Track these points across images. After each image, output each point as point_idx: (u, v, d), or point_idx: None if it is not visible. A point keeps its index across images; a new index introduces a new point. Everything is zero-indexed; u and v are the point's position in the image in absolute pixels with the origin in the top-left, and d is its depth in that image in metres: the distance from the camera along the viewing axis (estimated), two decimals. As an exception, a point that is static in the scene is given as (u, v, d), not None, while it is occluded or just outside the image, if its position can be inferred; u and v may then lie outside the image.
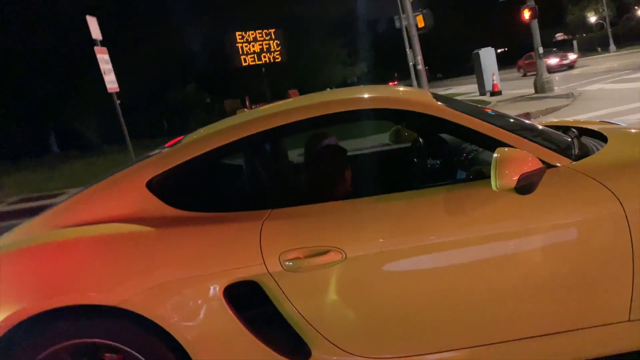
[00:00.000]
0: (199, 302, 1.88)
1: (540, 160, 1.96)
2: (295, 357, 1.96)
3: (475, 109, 2.44)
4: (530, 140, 2.08)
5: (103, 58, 11.02)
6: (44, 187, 11.78)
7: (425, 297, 1.94)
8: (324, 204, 2.05)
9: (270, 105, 2.63)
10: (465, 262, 1.92)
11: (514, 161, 1.83)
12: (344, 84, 41.26)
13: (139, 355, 1.89)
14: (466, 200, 1.96)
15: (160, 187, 2.10)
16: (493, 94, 17.08)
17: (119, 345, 1.88)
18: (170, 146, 2.34)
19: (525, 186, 1.89)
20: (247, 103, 24.04)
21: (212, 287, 1.88)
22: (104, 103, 10.77)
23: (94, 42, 10.66)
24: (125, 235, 1.96)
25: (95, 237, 1.97)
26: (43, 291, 1.85)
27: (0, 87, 23.25)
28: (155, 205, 2.06)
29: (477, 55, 17.84)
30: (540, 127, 2.55)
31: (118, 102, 11.13)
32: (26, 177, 14.43)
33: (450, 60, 54.16)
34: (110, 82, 11.21)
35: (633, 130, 2.55)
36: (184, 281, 1.87)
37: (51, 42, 22.65)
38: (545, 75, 15.41)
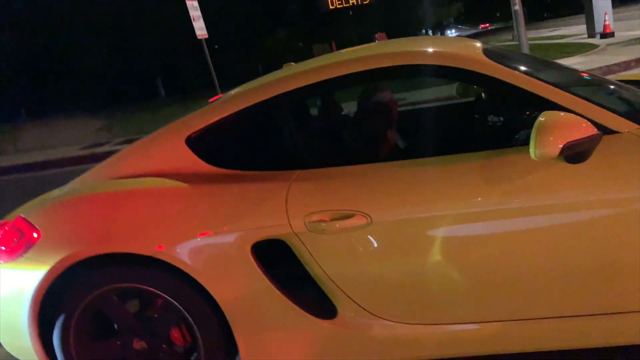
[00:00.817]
0: (228, 257, 1.94)
1: (600, 125, 1.75)
2: (322, 315, 1.98)
3: (534, 64, 2.19)
4: (592, 101, 1.84)
5: (192, 5, 11.32)
6: (147, 129, 12.73)
7: (452, 267, 1.85)
8: (356, 166, 1.99)
9: (317, 58, 2.55)
10: (499, 233, 1.80)
11: (559, 127, 1.64)
12: (439, 25, 39.19)
13: (176, 303, 2.01)
14: (510, 167, 1.80)
15: (198, 143, 2.15)
16: (604, 35, 15.32)
17: (158, 291, 2.00)
18: (213, 102, 2.36)
19: (576, 155, 1.70)
20: (334, 48, 23.62)
21: (240, 244, 1.92)
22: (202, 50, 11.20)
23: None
24: (162, 190, 2.04)
25: (135, 191, 2.08)
26: (90, 238, 2.00)
27: (114, 42, 25.00)
28: (193, 162, 2.12)
29: (589, -8, 15.99)
30: (615, 84, 2.25)
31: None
32: (133, 120, 15.60)
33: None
34: (200, 28, 11.54)
35: None
36: (214, 236, 1.93)
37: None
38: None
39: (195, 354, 2.07)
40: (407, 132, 2.34)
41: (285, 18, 27.37)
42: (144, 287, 2.01)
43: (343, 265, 1.93)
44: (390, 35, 24.67)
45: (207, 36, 11.69)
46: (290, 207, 1.91)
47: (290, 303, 1.96)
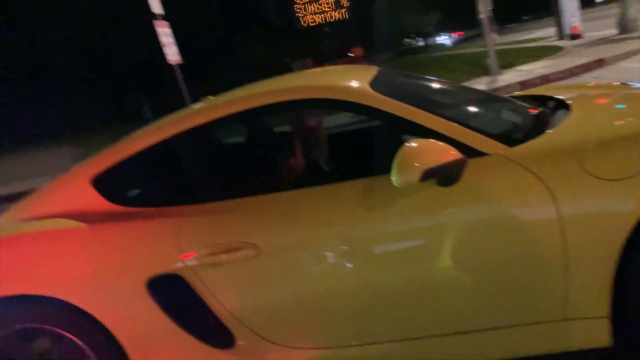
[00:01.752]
0: (125, 293, 1.98)
1: (469, 147, 1.83)
2: (221, 345, 2.03)
3: (422, 88, 2.27)
4: (465, 124, 1.93)
5: (164, 32, 11.35)
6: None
7: (338, 290, 1.91)
8: (246, 197, 2.05)
9: (209, 98, 2.61)
10: (377, 255, 1.87)
11: (418, 154, 1.72)
12: (418, 34, 39.64)
13: (78, 341, 2.04)
14: (387, 191, 1.87)
15: (102, 183, 2.20)
16: (573, 37, 15.62)
17: (62, 332, 2.04)
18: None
19: (444, 178, 1.78)
20: (310, 65, 23.84)
21: (135, 280, 1.97)
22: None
23: (153, 16, 10.96)
24: (62, 231, 2.09)
25: (36, 233, 2.13)
26: None
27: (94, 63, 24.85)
28: (97, 201, 2.17)
29: (556, -5, 16.28)
30: (505, 101, 2.33)
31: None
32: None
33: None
34: (172, 54, 11.57)
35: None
36: (109, 273, 1.98)
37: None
38: (631, 13, 13.80)
39: None
40: (306, 161, 2.41)
41: (264, 34, 27.62)
42: (48, 327, 2.05)
43: (238, 296, 1.98)
44: (368, 48, 24.99)
45: (180, 61, 11.76)
46: (183, 242, 1.96)
47: (188, 335, 2.00)
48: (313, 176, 2.28)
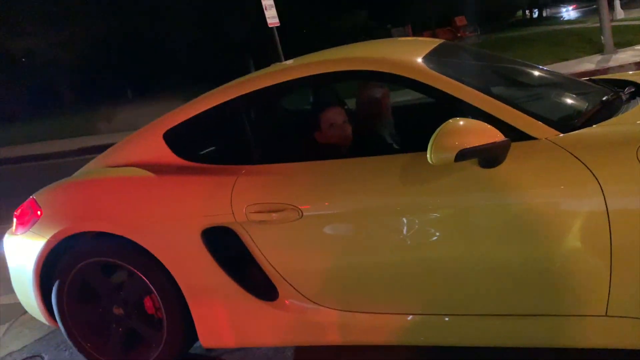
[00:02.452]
0: (183, 241, 2.20)
1: (518, 130, 1.79)
2: (265, 297, 2.19)
3: (482, 65, 2.21)
4: (517, 106, 1.87)
5: (265, -6, 11.63)
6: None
7: (377, 259, 1.98)
8: (298, 163, 2.16)
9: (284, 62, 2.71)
10: (416, 229, 1.90)
11: (456, 134, 1.70)
12: (531, 5, 36.85)
13: (144, 278, 2.31)
14: (430, 168, 1.88)
15: (173, 138, 2.42)
16: None
17: (129, 266, 2.32)
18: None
19: (486, 160, 1.76)
20: (409, 32, 23.08)
21: (191, 229, 2.17)
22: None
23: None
24: (135, 178, 2.35)
25: (114, 178, 2.40)
26: (75, 217, 2.37)
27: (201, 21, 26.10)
28: (167, 155, 2.39)
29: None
30: (572, 84, 2.21)
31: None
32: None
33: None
34: (271, 17, 11.86)
35: None
36: (171, 221, 2.20)
37: None
38: None
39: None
40: (364, 131, 2.46)
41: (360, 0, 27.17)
42: (118, 261, 2.33)
43: (281, 253, 2.12)
44: (471, 18, 23.56)
45: (279, 24, 12.02)
46: (235, 198, 2.13)
47: (236, 285, 2.18)
48: (365, 147, 2.33)
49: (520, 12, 39.47)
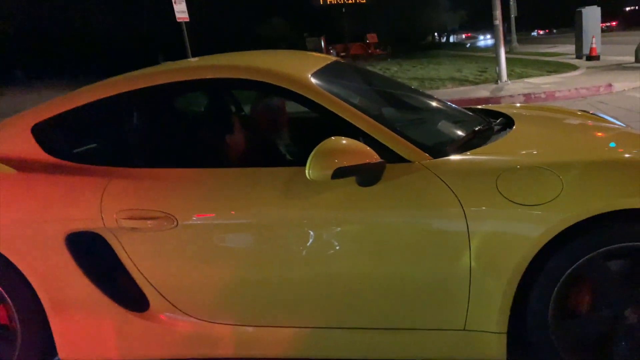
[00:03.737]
0: (44, 244, 2.02)
1: (394, 153, 1.86)
2: (134, 308, 2.07)
3: (368, 88, 2.27)
4: (395, 130, 1.94)
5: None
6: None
7: (250, 271, 1.95)
8: (174, 169, 2.07)
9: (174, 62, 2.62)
10: (291, 243, 1.91)
11: (334, 153, 1.74)
12: (440, 31, 39.14)
13: (1, 289, 2.08)
14: (308, 183, 1.89)
15: (42, 133, 2.22)
16: (589, 58, 15.41)
17: None
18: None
19: (362, 178, 1.80)
20: (323, 44, 23.61)
21: (55, 232, 2.00)
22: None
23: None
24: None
25: None
26: None
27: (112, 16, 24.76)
28: (33, 150, 2.19)
29: (580, 14, 16.03)
30: (453, 111, 2.34)
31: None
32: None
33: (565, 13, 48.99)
34: (180, 12, 11.53)
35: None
36: (32, 223, 2.02)
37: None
38: (652, 42, 13.59)
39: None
40: (255, 141, 2.42)
41: (280, 7, 27.37)
42: None
43: (154, 263, 2.01)
44: (382, 36, 24.62)
45: (187, 19, 11.70)
46: (105, 202, 1.99)
47: (101, 294, 2.04)
48: (255, 157, 2.29)
49: (430, 37, 41.77)
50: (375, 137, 1.89)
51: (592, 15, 15.93)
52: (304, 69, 2.14)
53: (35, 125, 2.22)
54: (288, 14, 27.79)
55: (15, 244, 2.03)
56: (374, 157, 1.77)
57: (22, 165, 2.14)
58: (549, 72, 12.56)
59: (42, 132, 2.21)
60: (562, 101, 9.41)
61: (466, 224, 1.75)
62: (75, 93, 2.28)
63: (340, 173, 1.73)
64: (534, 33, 57.25)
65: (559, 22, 53.24)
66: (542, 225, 1.71)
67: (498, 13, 11.11)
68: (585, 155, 1.93)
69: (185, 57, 12.28)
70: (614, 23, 53.15)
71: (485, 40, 43.92)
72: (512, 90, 10.35)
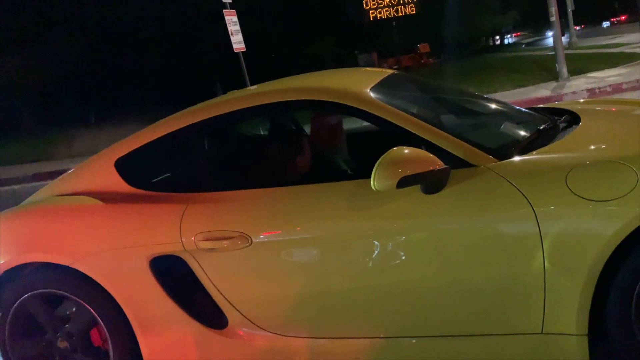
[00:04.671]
0: (130, 269, 2.17)
1: (458, 158, 1.86)
2: (214, 326, 2.17)
3: (426, 96, 2.29)
4: (458, 135, 1.95)
5: (231, 20, 11.76)
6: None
7: (324, 285, 2.00)
8: (246, 190, 2.18)
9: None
10: (361, 255, 1.95)
11: (398, 162, 1.77)
12: (493, 34, 38.22)
13: (89, 308, 2.26)
14: (373, 194, 1.93)
15: (124, 166, 2.40)
16: (658, 45, 14.60)
17: (75, 297, 2.27)
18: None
19: (427, 186, 1.82)
20: (374, 59, 23.62)
21: (139, 258, 2.15)
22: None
23: (223, 5, 11.38)
24: (82, 207, 2.31)
25: (60, 207, 2.36)
26: (18, 248, 2.30)
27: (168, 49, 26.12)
28: (117, 183, 2.37)
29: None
30: (514, 112, 2.31)
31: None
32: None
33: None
34: (237, 42, 11.96)
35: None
36: (118, 250, 2.18)
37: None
38: None
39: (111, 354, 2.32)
40: (317, 158, 2.50)
41: (330, 27, 27.72)
42: (64, 292, 2.28)
43: (230, 281, 2.12)
44: (435, 46, 24.27)
45: (244, 49, 12.12)
46: (184, 226, 2.12)
47: (184, 313, 2.16)
48: (318, 174, 2.36)
49: (483, 39, 40.90)
50: (438, 144, 1.91)
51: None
52: (361, 84, 2.20)
53: (117, 160, 2.41)
54: (339, 32, 28.13)
55: (105, 269, 2.20)
56: (438, 163, 1.78)
57: (107, 197, 2.32)
58: (614, 64, 11.96)
59: (124, 166, 2.39)
60: (630, 92, 8.95)
61: (537, 224, 1.72)
62: (151, 127, 2.46)
63: (405, 182, 1.76)
64: (606, 23, 53.69)
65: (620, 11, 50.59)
66: (617, 221, 1.65)
67: (554, 9, 10.77)
68: None
69: (243, 84, 12.75)
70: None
71: (542, 38, 42.52)
72: (574, 86, 9.96)
